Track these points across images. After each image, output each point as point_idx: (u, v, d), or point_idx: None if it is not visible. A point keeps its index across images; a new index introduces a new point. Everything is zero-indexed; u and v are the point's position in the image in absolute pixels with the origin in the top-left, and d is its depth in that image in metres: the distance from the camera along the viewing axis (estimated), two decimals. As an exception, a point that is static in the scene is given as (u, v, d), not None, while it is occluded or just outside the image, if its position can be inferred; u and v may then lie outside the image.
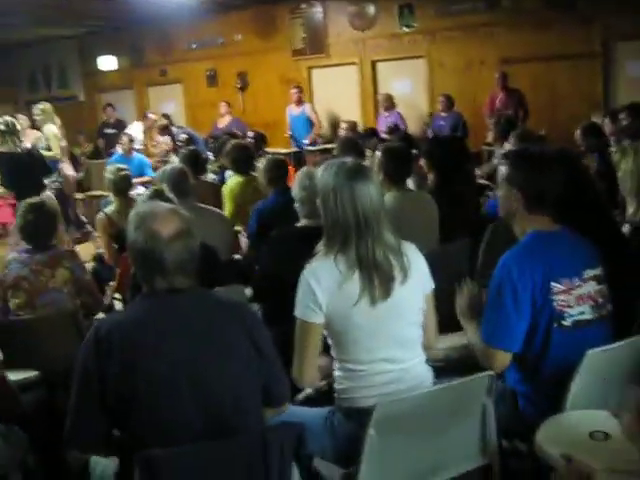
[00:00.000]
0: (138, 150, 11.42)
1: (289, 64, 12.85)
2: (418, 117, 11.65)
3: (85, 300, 4.41)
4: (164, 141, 11.93)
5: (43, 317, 4.11)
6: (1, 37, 14.16)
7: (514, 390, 2.90)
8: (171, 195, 4.57)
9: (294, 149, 11.78)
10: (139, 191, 10.26)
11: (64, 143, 10.40)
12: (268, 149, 11.39)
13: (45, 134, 9.76)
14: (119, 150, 11.07)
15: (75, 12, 11.50)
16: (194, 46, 14.00)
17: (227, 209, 6.49)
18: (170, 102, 14.50)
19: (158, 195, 4.34)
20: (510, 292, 2.72)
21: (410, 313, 2.73)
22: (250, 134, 10.20)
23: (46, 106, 10.08)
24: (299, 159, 11.50)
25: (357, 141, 6.90)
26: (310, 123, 11.86)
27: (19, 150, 8.00)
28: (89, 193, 12.67)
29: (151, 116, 12.42)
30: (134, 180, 10.25)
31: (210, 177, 8.15)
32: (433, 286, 2.83)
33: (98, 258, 6.27)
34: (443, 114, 10.64)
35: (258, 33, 13.12)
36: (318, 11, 12.36)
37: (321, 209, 2.72)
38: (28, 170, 7.86)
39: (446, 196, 4.81)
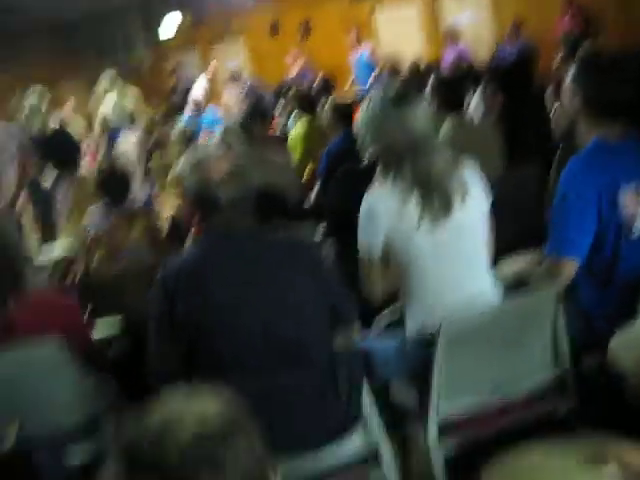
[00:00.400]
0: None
1: (351, 8, 12.70)
2: (486, 49, 11.39)
3: (161, 248, 4.53)
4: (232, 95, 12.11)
5: (124, 272, 4.23)
6: (68, 10, 14.37)
7: (585, 309, 2.85)
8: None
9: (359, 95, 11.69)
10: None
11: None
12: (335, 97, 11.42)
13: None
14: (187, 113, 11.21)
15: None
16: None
17: (296, 155, 6.58)
18: (233, 60, 14.50)
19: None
20: (575, 198, 2.64)
21: (473, 233, 2.70)
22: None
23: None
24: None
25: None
26: (372, 66, 11.73)
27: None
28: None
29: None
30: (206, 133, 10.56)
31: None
32: (489, 205, 2.77)
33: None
34: (511, 45, 10.36)
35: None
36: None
37: (373, 139, 2.71)
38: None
39: (512, 120, 4.74)
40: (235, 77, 12.57)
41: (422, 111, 2.65)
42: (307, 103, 6.93)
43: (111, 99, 10.05)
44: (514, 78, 5.26)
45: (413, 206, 2.59)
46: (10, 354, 2.62)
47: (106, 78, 10.18)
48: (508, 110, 4.98)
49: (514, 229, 3.01)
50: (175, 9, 14.94)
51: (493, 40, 11.43)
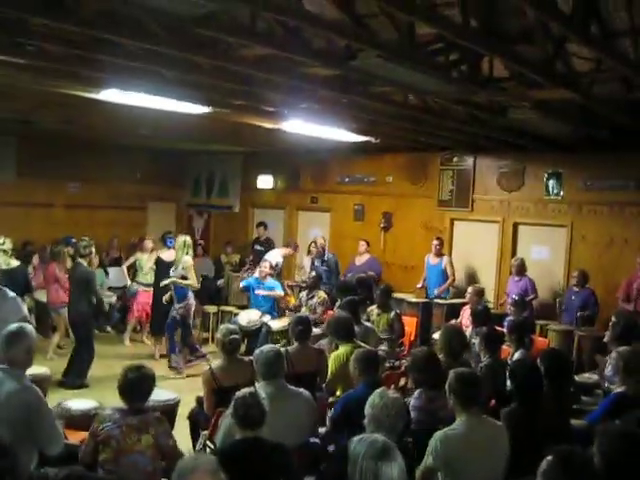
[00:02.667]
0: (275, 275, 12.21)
1: (433, 212, 13.35)
2: (551, 285, 11.77)
3: (168, 463, 4.87)
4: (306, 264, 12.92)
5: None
6: (176, 145, 15.62)
7: None
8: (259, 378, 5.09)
9: (423, 299, 12.13)
10: (266, 318, 11.02)
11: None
12: (398, 294, 11.90)
13: (183, 264, 10.66)
14: (256, 273, 11.87)
15: (242, 137, 12.50)
16: (346, 180, 14.87)
17: (330, 375, 6.93)
18: (317, 228, 15.26)
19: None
20: None
21: None
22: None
23: (187, 238, 10.99)
24: (427, 310, 11.86)
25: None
26: (445, 274, 12.23)
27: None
28: (222, 308, 13.56)
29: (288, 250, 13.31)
30: (263, 292, 11.17)
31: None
32: None
33: (199, 401, 6.80)
34: (575, 289, 10.73)
35: (408, 178, 13.77)
36: (469, 165, 12.85)
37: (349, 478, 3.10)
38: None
39: (524, 425, 4.95)
40: (314, 247, 13.34)
41: (398, 469, 3.04)
42: (343, 331, 7.28)
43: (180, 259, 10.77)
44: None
45: None
46: None
47: (181, 240, 10.90)
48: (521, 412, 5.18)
49: None
50: (270, 172, 16.03)
51: (560, 279, 11.77)
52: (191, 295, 10.84)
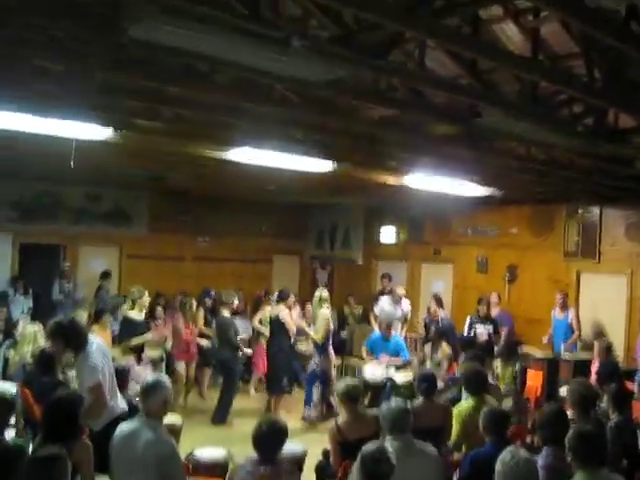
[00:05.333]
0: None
1: (559, 264, 13.12)
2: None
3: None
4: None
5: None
6: (300, 199, 16.04)
7: None
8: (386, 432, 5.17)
9: (549, 354, 11.90)
10: (391, 372, 11.03)
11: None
12: (526, 348, 11.73)
13: (320, 318, 10.99)
14: (377, 331, 11.90)
15: (366, 190, 12.69)
16: (469, 232, 14.84)
17: (454, 431, 6.88)
18: (439, 281, 15.26)
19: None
20: None
21: None
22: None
23: (323, 293, 11.20)
24: (553, 365, 11.61)
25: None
26: (571, 329, 11.98)
27: None
28: (346, 361, 13.71)
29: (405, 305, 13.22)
30: (386, 358, 11.13)
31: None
32: None
33: (325, 454, 6.90)
34: None
35: (533, 229, 13.62)
36: (595, 216, 12.60)
37: None
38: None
39: None
40: (438, 301, 13.26)
41: None
42: (474, 384, 7.20)
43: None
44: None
45: None
46: None
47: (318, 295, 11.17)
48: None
49: None
50: (393, 224, 16.17)
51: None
52: (331, 350, 11.05)
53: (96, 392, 6.09)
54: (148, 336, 9.91)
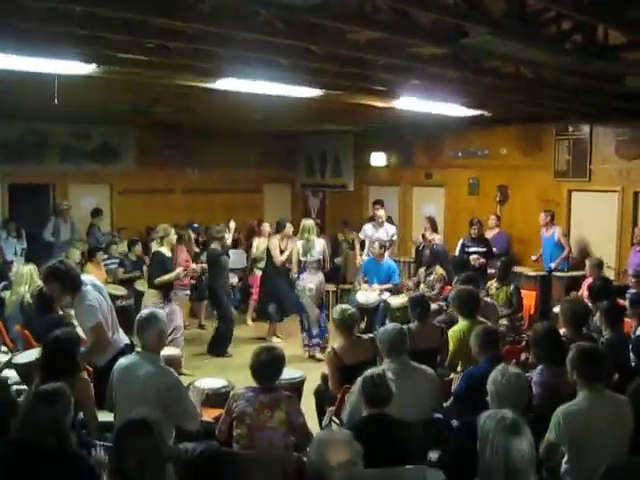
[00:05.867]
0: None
1: (550, 183, 13.14)
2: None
3: (297, 439, 5.10)
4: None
5: (254, 455, 4.85)
6: (289, 127, 15.95)
7: None
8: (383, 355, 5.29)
9: (541, 272, 12.02)
10: (384, 296, 11.13)
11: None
12: (518, 268, 11.84)
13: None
14: (370, 254, 11.99)
15: (354, 115, 12.62)
16: (460, 154, 14.81)
17: (450, 352, 7.01)
18: (431, 204, 15.29)
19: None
20: None
21: None
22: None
23: (307, 222, 11.44)
24: (545, 283, 11.75)
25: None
26: (560, 246, 12.07)
27: None
28: (341, 286, 13.83)
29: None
30: (376, 286, 11.22)
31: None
32: None
33: (324, 379, 7.02)
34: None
35: (522, 150, 13.62)
36: (585, 134, 12.58)
37: (480, 453, 3.24)
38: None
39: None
40: (432, 223, 13.33)
41: (528, 443, 3.18)
42: (467, 307, 7.30)
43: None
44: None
45: None
46: None
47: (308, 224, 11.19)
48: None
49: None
50: (383, 149, 16.12)
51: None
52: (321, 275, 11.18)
53: (97, 331, 6.14)
54: (179, 271, 9.89)
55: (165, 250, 9.74)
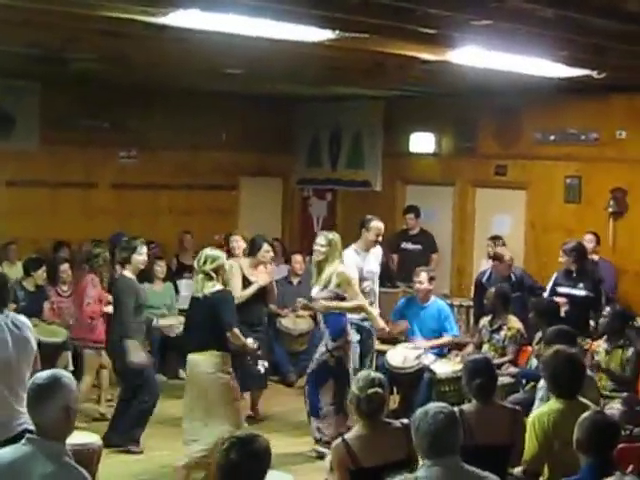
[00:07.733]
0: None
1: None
2: None
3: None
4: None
5: None
6: (282, 90, 16.12)
7: None
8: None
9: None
10: (429, 359, 11.09)
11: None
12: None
13: (338, 277, 10.81)
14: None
15: (386, 74, 12.51)
16: (552, 138, 14.75)
17: (529, 450, 6.94)
18: (504, 216, 15.24)
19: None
20: None
21: None
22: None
23: (335, 237, 10.95)
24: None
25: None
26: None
27: None
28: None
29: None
30: (422, 343, 11.21)
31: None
32: None
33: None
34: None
35: (652, 132, 13.58)
36: None
37: None
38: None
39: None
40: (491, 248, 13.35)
41: None
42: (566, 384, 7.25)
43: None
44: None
45: None
46: None
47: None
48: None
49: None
50: (430, 129, 16.15)
51: None
52: (350, 329, 10.88)
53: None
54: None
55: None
